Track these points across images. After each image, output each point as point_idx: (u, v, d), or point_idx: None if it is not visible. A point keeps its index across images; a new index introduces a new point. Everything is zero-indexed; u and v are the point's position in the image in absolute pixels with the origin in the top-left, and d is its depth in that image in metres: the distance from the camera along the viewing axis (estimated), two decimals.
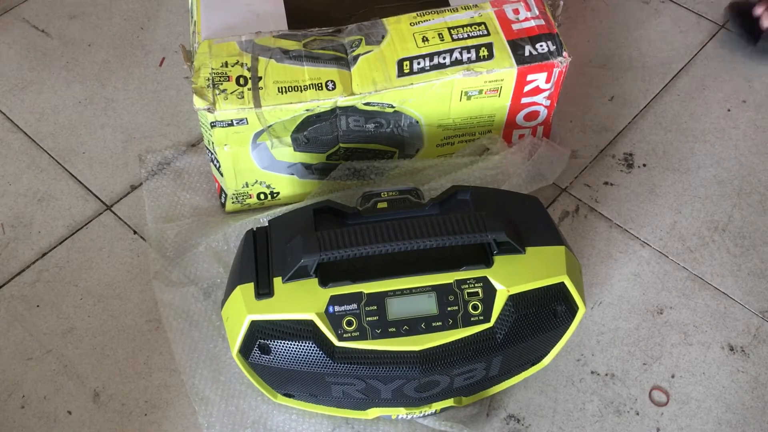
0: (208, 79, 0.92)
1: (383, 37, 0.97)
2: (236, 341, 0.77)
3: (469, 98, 0.97)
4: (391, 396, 0.81)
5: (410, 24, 0.98)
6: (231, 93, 0.91)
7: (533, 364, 0.87)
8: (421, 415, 0.87)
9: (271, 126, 0.94)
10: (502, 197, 0.86)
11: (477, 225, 0.75)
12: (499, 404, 0.92)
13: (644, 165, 1.16)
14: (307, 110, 0.93)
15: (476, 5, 1.00)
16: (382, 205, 0.84)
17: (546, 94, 1.00)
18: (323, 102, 0.92)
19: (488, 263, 0.77)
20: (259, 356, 0.77)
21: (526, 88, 0.98)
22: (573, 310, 0.79)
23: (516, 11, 0.99)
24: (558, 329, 0.81)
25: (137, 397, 0.93)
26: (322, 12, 1.04)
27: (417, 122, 0.99)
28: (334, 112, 0.94)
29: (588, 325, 0.99)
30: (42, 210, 1.10)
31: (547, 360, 0.87)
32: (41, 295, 1.02)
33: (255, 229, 0.83)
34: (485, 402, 0.92)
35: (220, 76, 0.92)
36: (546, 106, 1.02)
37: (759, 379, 0.95)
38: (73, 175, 1.14)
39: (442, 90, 0.96)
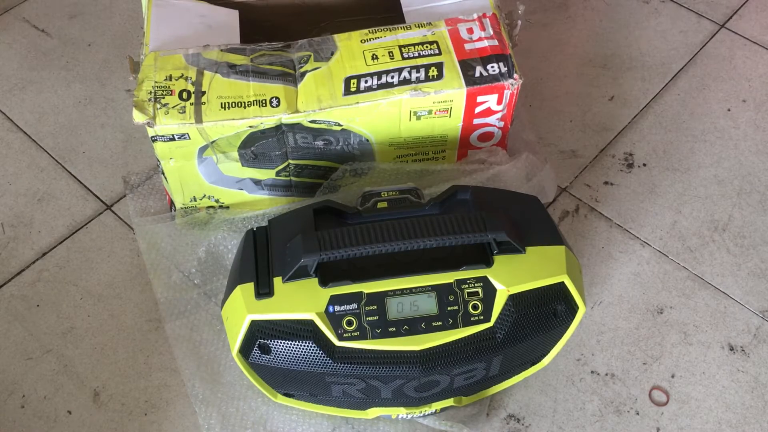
0: (150, 93, 0.90)
1: (332, 53, 0.94)
2: (236, 341, 0.77)
3: (419, 118, 0.95)
4: (391, 396, 0.81)
5: (361, 41, 0.95)
6: (172, 107, 0.89)
7: (533, 364, 0.87)
8: (421, 414, 0.87)
9: (214, 141, 0.92)
10: (502, 197, 0.86)
11: (477, 225, 0.75)
12: (499, 404, 0.92)
13: (644, 165, 1.16)
14: (250, 126, 0.91)
15: (431, 23, 0.97)
16: (382, 204, 0.84)
17: (498, 115, 0.97)
18: (266, 119, 0.90)
19: (488, 263, 0.77)
20: (259, 356, 0.77)
21: (478, 110, 0.95)
22: (573, 309, 0.79)
23: (470, 30, 0.96)
24: (558, 329, 0.81)
25: (137, 397, 0.93)
26: (281, 25, 1.00)
27: (367, 140, 0.96)
28: (280, 129, 0.92)
29: (588, 324, 0.99)
30: (42, 210, 1.10)
31: (547, 360, 0.87)
32: (41, 295, 1.02)
33: (255, 229, 0.83)
34: (485, 402, 0.92)
35: (163, 90, 0.90)
36: (500, 128, 0.99)
37: (759, 379, 0.95)
38: (73, 175, 1.14)
39: (390, 109, 0.93)
